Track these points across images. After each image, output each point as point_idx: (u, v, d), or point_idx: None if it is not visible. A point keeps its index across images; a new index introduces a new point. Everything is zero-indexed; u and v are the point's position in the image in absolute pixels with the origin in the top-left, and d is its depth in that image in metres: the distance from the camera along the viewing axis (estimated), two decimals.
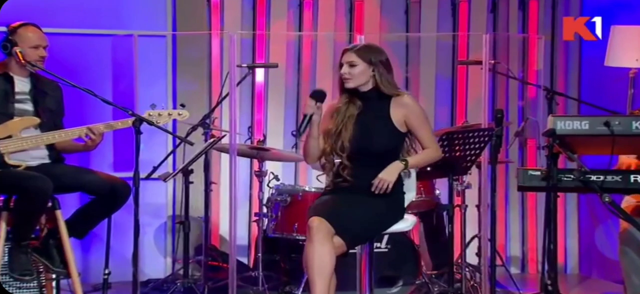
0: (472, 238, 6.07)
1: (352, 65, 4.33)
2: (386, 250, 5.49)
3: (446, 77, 7.00)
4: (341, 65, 4.37)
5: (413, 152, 4.41)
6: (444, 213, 5.83)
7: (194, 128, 5.52)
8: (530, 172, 4.04)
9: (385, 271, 5.45)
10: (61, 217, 4.76)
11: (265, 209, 5.76)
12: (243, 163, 6.40)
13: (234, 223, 5.44)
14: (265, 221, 5.74)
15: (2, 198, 4.75)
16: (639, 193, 4.52)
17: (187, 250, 5.77)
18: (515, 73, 6.74)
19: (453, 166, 5.16)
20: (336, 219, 4.17)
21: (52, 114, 4.92)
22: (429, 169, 5.02)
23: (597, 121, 3.93)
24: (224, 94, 5.69)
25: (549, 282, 4.13)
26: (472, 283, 5.83)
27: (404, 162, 4.32)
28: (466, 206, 5.98)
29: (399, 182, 4.38)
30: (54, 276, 4.85)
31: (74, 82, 4.66)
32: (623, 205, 4.76)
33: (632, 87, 6.07)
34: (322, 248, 4.10)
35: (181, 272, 5.84)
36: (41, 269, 4.83)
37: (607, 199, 3.77)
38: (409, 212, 4.98)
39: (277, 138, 6.64)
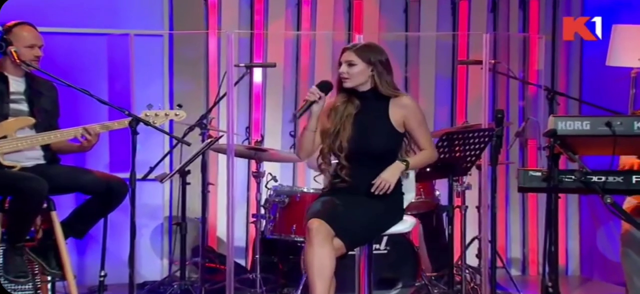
0: (472, 240, 6.07)
1: (351, 64, 4.31)
2: (385, 252, 5.49)
3: (446, 77, 6.99)
4: (340, 64, 4.35)
5: (412, 153, 4.37)
6: (444, 214, 5.81)
7: (191, 128, 5.53)
8: (531, 173, 4.02)
9: (385, 273, 5.44)
10: (56, 218, 4.76)
11: (263, 211, 5.76)
12: (241, 164, 6.39)
13: (232, 224, 5.43)
14: (263, 222, 5.74)
15: None
16: None
17: (184, 252, 5.76)
18: (516, 73, 6.74)
19: (453, 167, 5.13)
20: (335, 221, 4.16)
21: (48, 115, 4.92)
22: (428, 169, 5.01)
23: (598, 121, 3.90)
24: (221, 94, 5.69)
25: (549, 284, 4.11)
26: (472, 285, 5.83)
27: (404, 163, 4.31)
28: (466, 207, 5.98)
29: (398, 183, 4.36)
30: (49, 278, 4.84)
31: (70, 82, 4.66)
32: (624, 206, 4.73)
33: (634, 87, 6.06)
34: (321, 250, 4.09)
35: (178, 274, 5.82)
36: (36, 271, 4.82)
37: (608, 201, 3.75)
38: (409, 213, 4.98)
39: (275, 139, 6.63)
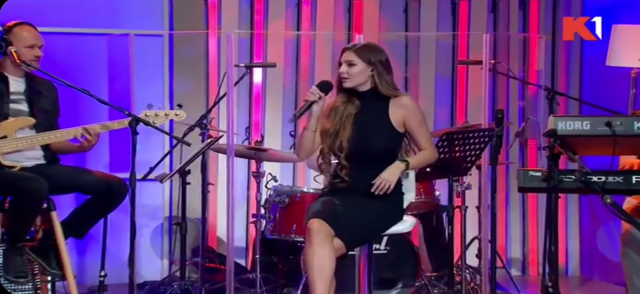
0: (472, 240, 6.06)
1: (350, 64, 4.31)
2: (385, 252, 5.49)
3: (446, 77, 6.99)
4: (340, 64, 4.34)
5: (412, 153, 4.37)
6: (444, 214, 5.81)
7: (191, 128, 5.53)
8: (531, 173, 4.02)
9: (385, 273, 5.44)
10: (56, 218, 4.75)
11: (263, 211, 5.75)
12: (241, 164, 6.39)
13: (232, 224, 5.43)
14: (263, 222, 5.73)
15: None
16: None
17: (184, 252, 5.74)
18: (516, 73, 6.74)
19: (453, 167, 5.13)
20: (335, 221, 4.15)
21: (48, 115, 4.91)
22: (428, 169, 5.01)
23: (598, 121, 3.91)
24: (221, 94, 5.68)
25: (549, 284, 4.11)
26: (472, 285, 5.82)
27: (405, 163, 4.31)
28: (466, 207, 5.97)
29: (398, 183, 4.35)
30: (49, 278, 4.83)
31: (70, 82, 4.66)
32: (624, 206, 4.73)
33: (634, 87, 6.05)
34: (321, 250, 4.08)
35: (178, 274, 5.81)
36: (36, 271, 4.81)
37: (608, 201, 3.75)
38: (409, 213, 4.97)
39: (275, 139, 6.62)
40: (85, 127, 4.72)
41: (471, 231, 6.02)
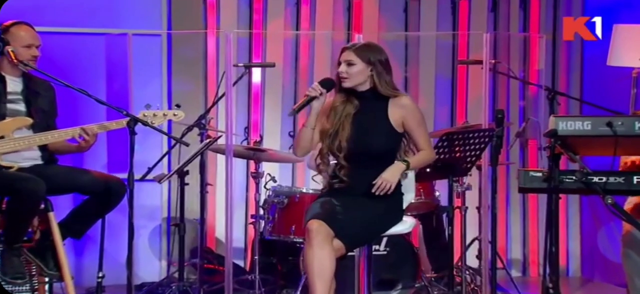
0: (473, 241, 6.06)
1: (350, 64, 4.29)
2: (385, 253, 5.49)
3: (446, 77, 6.98)
4: (339, 64, 4.33)
5: (410, 153, 4.36)
6: (444, 215, 5.82)
7: (189, 129, 5.53)
8: (532, 173, 4.02)
9: (384, 274, 5.44)
10: (54, 219, 4.74)
11: (261, 211, 5.74)
12: (239, 164, 6.39)
13: (230, 225, 5.43)
14: (262, 223, 5.72)
15: None
16: None
17: (182, 253, 5.73)
18: (516, 73, 6.73)
19: (453, 167, 5.12)
20: (335, 222, 4.15)
21: (45, 115, 4.90)
22: (428, 170, 5.00)
23: (599, 121, 3.91)
24: (220, 94, 5.68)
25: (550, 285, 4.11)
26: (472, 286, 5.82)
27: (405, 163, 4.30)
28: (466, 207, 5.96)
29: (397, 183, 4.34)
30: (47, 279, 4.81)
31: (67, 82, 4.64)
32: (625, 206, 4.72)
33: (635, 87, 6.05)
34: (321, 251, 4.07)
35: (176, 275, 5.81)
36: (34, 273, 4.81)
37: (609, 201, 3.76)
38: (409, 214, 4.95)
39: (274, 139, 6.62)
40: (83, 128, 4.70)
41: (471, 232, 6.02)
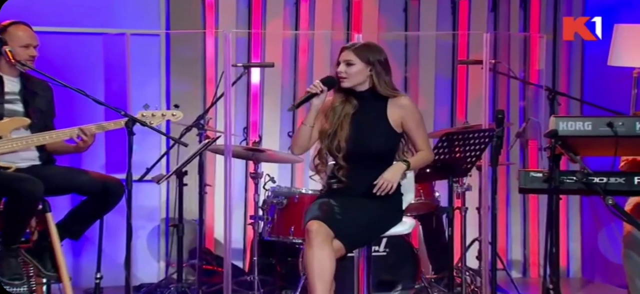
0: (473, 241, 6.05)
1: (349, 64, 4.28)
2: (385, 254, 5.50)
3: (446, 77, 6.98)
4: (338, 64, 4.32)
5: (409, 154, 4.35)
6: (444, 216, 5.81)
7: (188, 129, 5.52)
8: (532, 174, 4.03)
9: (384, 275, 5.45)
10: (52, 220, 4.73)
11: (260, 212, 5.74)
12: (238, 165, 6.39)
13: (229, 225, 5.43)
14: (261, 223, 5.71)
15: None
16: None
17: (180, 254, 5.70)
18: (517, 73, 6.72)
19: (453, 168, 5.10)
20: (335, 222, 4.14)
21: (43, 115, 4.89)
22: (428, 170, 4.99)
23: (600, 121, 3.93)
24: (218, 94, 5.67)
25: (551, 286, 4.13)
26: (472, 287, 5.82)
27: (406, 163, 4.29)
28: (466, 208, 5.96)
29: (397, 184, 4.31)
30: (44, 280, 4.80)
31: (65, 82, 4.63)
32: (626, 206, 4.71)
33: (636, 87, 6.04)
34: (321, 251, 4.06)
35: (175, 276, 5.78)
36: (31, 274, 4.79)
37: (610, 202, 3.77)
38: (408, 215, 4.93)
39: (273, 139, 6.62)
40: (81, 128, 4.69)
41: (471, 233, 6.01)
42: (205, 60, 6.56)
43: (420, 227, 5.99)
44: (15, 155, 4.70)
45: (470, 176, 5.67)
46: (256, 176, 5.78)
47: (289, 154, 6.17)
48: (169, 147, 5.96)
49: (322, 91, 4.24)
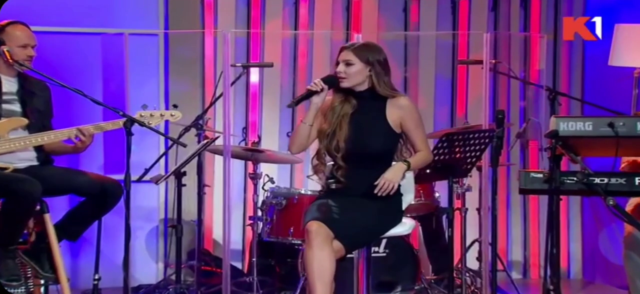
0: (473, 242, 6.06)
1: (348, 64, 4.28)
2: (384, 254, 5.49)
3: (446, 77, 6.97)
4: (338, 64, 4.31)
5: (408, 154, 4.35)
6: (444, 217, 5.81)
7: (186, 129, 5.53)
8: (532, 174, 4.03)
9: (384, 276, 5.44)
10: (50, 221, 4.71)
11: (259, 213, 5.75)
12: (237, 165, 6.39)
13: (228, 226, 5.44)
14: (260, 224, 5.72)
15: None
16: None
17: (179, 255, 5.71)
18: (517, 73, 6.71)
19: (453, 168, 5.09)
20: (334, 223, 4.13)
21: (41, 115, 4.88)
22: (428, 171, 4.98)
23: (600, 121, 3.92)
24: (217, 94, 5.67)
25: (551, 287, 4.12)
26: (472, 288, 5.82)
27: (406, 164, 4.28)
28: (466, 209, 5.97)
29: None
30: (42, 281, 4.80)
31: (63, 82, 4.62)
32: (627, 206, 4.70)
33: (637, 87, 6.05)
34: (321, 252, 4.06)
35: (173, 277, 5.79)
36: (29, 275, 4.79)
37: (611, 203, 3.78)
38: (408, 215, 4.92)
39: (272, 139, 6.61)
40: (79, 128, 4.68)
41: (471, 234, 6.02)
42: (204, 61, 6.56)
43: (420, 228, 6.00)
44: (12, 155, 4.68)
45: (471, 176, 5.67)
46: (255, 177, 5.78)
47: (288, 155, 6.16)
48: (167, 148, 5.95)
49: (322, 89, 4.23)
